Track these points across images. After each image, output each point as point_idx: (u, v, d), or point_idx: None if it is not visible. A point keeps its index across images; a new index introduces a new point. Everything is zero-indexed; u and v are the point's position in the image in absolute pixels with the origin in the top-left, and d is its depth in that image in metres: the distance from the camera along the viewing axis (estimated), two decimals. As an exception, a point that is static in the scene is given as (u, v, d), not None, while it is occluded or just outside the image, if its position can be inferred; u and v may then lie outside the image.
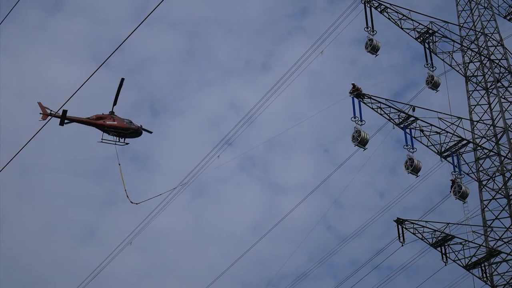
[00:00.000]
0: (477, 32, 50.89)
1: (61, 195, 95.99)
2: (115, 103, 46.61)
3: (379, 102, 44.78)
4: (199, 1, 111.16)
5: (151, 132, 48.39)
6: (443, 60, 49.61)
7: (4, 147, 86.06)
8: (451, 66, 49.63)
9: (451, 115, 45.60)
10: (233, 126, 48.15)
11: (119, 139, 46.81)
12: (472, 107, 48.66)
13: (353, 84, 44.63)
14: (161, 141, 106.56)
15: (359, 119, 43.82)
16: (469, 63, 50.07)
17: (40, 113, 44.10)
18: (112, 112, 46.93)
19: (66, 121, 44.69)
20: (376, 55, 47.38)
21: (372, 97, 44.61)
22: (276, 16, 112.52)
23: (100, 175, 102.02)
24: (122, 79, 45.48)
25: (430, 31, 49.37)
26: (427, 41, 49.52)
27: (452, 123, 45.42)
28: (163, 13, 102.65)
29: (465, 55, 50.30)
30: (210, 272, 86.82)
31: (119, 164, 46.66)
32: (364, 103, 44.56)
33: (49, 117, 43.28)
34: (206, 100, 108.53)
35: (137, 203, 46.46)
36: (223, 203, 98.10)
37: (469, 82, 49.49)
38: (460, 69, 49.84)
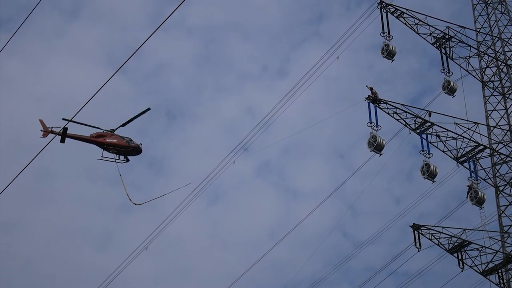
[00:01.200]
0: (494, 37, 50.68)
1: (79, 200, 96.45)
2: (125, 124, 47.06)
3: (395, 107, 44.69)
4: (216, 7, 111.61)
5: (149, 109, 47.60)
6: (459, 65, 49.44)
7: (22, 153, 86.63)
8: (467, 71, 49.44)
9: (467, 121, 45.44)
10: (249, 131, 48.19)
11: (119, 157, 47.31)
12: (489, 112, 48.44)
13: (370, 88, 44.57)
14: (177, 146, 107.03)
15: (375, 125, 43.74)
16: (485, 68, 49.86)
17: (41, 130, 44.68)
18: (112, 130, 47.40)
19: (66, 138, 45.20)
20: (392, 60, 47.32)
21: (388, 102, 44.53)
22: (293, 22, 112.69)
23: (117, 180, 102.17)
24: (148, 109, 46.01)
25: (447, 36, 49.22)
26: (443, 46, 49.35)
27: (469, 129, 45.24)
28: (180, 19, 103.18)
29: (481, 60, 50.10)
30: (226, 277, 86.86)
31: (120, 175, 47.14)
32: (380, 108, 44.47)
33: (50, 134, 44.01)
34: (223, 106, 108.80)
35: (140, 204, 47.14)
36: (239, 209, 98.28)
37: (485, 87, 49.27)
38: (477, 74, 49.64)
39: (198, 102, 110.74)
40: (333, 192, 50.25)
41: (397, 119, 44.81)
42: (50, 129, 44.56)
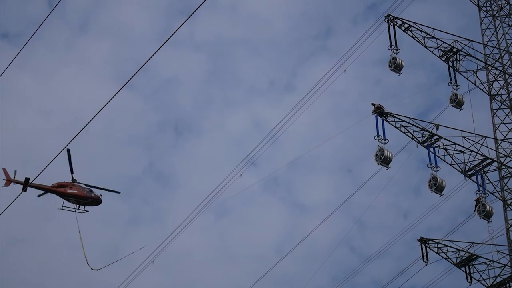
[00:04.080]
0: (501, 51, 50.57)
1: (86, 214, 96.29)
2: (72, 171, 48.29)
3: (403, 120, 44.62)
4: (224, 22, 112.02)
5: (119, 192, 50.49)
6: (467, 78, 49.33)
7: (30, 166, 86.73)
8: (475, 84, 49.32)
9: (475, 134, 45.31)
10: (256, 146, 48.14)
11: (79, 207, 48.52)
12: (497, 125, 48.26)
13: (373, 104, 44.58)
14: (185, 160, 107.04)
15: (383, 138, 43.70)
16: (493, 81, 49.72)
17: (4, 179, 46.21)
18: (73, 180, 48.51)
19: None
20: (400, 74, 47.30)
21: (395, 115, 44.48)
22: (301, 37, 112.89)
23: (126, 194, 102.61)
24: (69, 150, 46.88)
25: (454, 50, 49.16)
26: (451, 59, 49.29)
27: (476, 142, 45.11)
28: (188, 34, 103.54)
29: (489, 74, 49.97)
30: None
31: (79, 232, 48.17)
32: (387, 121, 44.43)
33: (12, 183, 45.85)
34: (230, 120, 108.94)
35: (97, 269, 47.94)
36: (247, 223, 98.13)
37: (493, 101, 49.13)
38: (484, 87, 49.51)
39: (205, 117, 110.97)
40: (340, 205, 50.15)
41: (404, 133, 44.73)
42: (13, 178, 46.12)
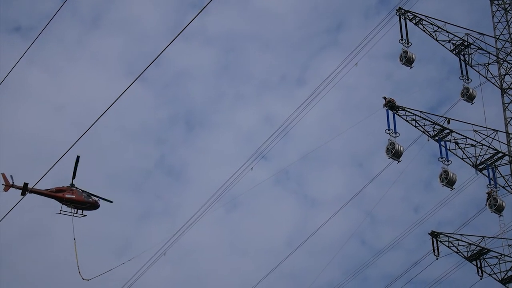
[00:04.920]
0: (513, 44, 50.42)
1: (99, 209, 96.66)
2: (73, 176, 49.14)
3: (414, 114, 44.57)
4: (236, 17, 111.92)
5: (111, 202, 50.90)
6: (478, 72, 49.19)
7: (41, 162, 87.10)
8: (486, 78, 49.18)
9: (486, 128, 45.21)
10: (267, 139, 48.11)
11: (76, 211, 49.25)
12: (508, 119, 48.15)
13: (384, 98, 44.56)
14: (196, 154, 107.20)
15: (393, 131, 43.69)
16: (505, 75, 49.57)
17: (3, 184, 46.80)
18: (72, 185, 49.32)
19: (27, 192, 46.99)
20: (411, 67, 47.20)
21: (406, 109, 44.43)
22: (312, 31, 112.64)
23: (137, 188, 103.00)
24: (78, 157, 47.80)
25: (466, 43, 49.01)
26: (462, 53, 49.14)
27: (488, 136, 45.00)
28: (200, 28, 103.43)
29: (501, 67, 49.81)
30: (244, 285, 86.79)
31: (74, 239, 48.77)
32: (398, 115, 44.40)
33: (11, 188, 46.35)
34: (241, 115, 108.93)
35: (88, 280, 48.05)
36: (258, 217, 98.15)
37: (505, 94, 49.00)
38: (496, 81, 49.37)
39: (216, 111, 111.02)
40: (351, 199, 50.13)
41: (415, 126, 44.68)
42: (11, 183, 46.82)
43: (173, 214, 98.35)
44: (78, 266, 47.97)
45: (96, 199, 50.04)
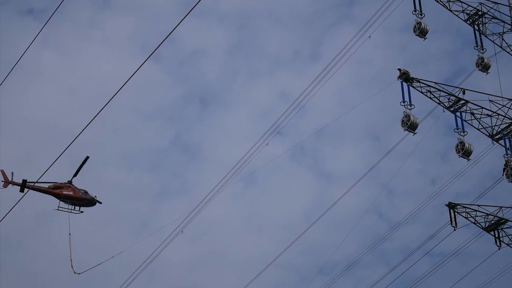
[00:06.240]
0: (528, 13, 49.95)
1: (116, 188, 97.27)
2: (75, 175, 50.26)
3: (429, 85, 44.32)
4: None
5: (101, 203, 51.80)
6: (493, 41, 48.79)
7: (57, 143, 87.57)
8: (501, 47, 48.77)
9: (502, 97, 44.94)
10: (282, 114, 47.96)
11: (74, 208, 50.43)
12: (524, 88, 47.83)
13: (399, 69, 44.32)
14: (211, 132, 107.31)
15: (409, 103, 43.46)
16: (520, 44, 49.18)
17: (2, 181, 48.02)
18: (69, 182, 50.46)
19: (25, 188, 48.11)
20: (425, 39, 46.82)
21: (421, 80, 44.18)
22: (324, 6, 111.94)
23: (154, 167, 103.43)
24: (87, 157, 49.17)
25: (480, 13, 48.58)
26: (476, 23, 48.74)
27: (504, 105, 44.75)
28: (212, 6, 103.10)
29: (516, 36, 49.43)
30: (262, 261, 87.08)
31: (70, 234, 49.69)
32: (413, 87, 44.16)
33: (10, 185, 47.72)
34: (256, 92, 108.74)
35: (79, 273, 49.01)
36: (274, 192, 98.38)
37: (520, 64, 48.68)
38: (511, 50, 48.98)
39: (231, 88, 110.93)
40: (367, 172, 50.02)
41: (430, 98, 44.44)
42: (11, 180, 48.05)
43: (190, 191, 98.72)
44: (71, 260, 48.94)
45: (94, 195, 51.25)
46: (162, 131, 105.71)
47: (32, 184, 48.39)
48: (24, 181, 47.99)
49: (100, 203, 51.71)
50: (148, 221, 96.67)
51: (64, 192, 50.03)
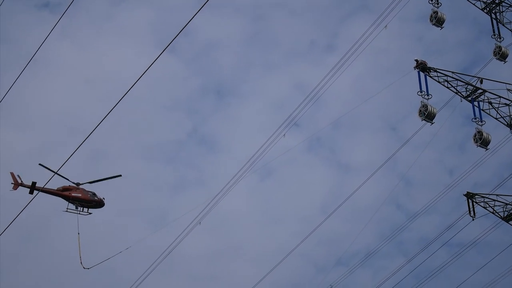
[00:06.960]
0: (546, 0, 49.52)
1: (134, 180, 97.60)
2: (95, 181, 51.40)
3: (446, 75, 44.08)
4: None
5: (120, 176, 52.26)
6: (510, 30, 48.45)
7: (73, 134, 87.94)
8: (519, 36, 48.48)
9: (520, 86, 44.63)
10: (298, 106, 47.81)
11: (82, 209, 51.31)
12: (542, 77, 47.47)
13: (416, 60, 44.08)
14: (228, 124, 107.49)
15: (426, 93, 43.24)
16: (538, 32, 48.76)
17: (12, 183, 48.78)
18: (78, 184, 51.29)
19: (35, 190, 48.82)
20: (442, 28, 46.55)
21: (438, 70, 43.93)
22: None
23: (171, 159, 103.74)
24: (119, 175, 50.98)
25: (497, 1, 48.25)
26: (493, 11, 48.39)
27: (522, 94, 44.45)
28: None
29: (533, 24, 49.04)
30: (280, 252, 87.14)
31: (78, 233, 50.44)
32: (430, 76, 43.93)
33: (20, 187, 48.43)
34: (272, 83, 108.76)
35: (88, 268, 49.90)
36: (292, 184, 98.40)
37: (538, 52, 48.21)
38: (529, 38, 48.63)
39: (247, 80, 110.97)
40: (384, 163, 49.84)
41: (448, 87, 44.21)
42: (20, 182, 48.72)
43: (207, 183, 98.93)
44: (80, 257, 49.73)
45: (102, 197, 51.84)
46: (179, 123, 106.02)
47: (41, 186, 48.98)
48: (34, 184, 48.60)
49: (119, 176, 52.10)
50: (166, 212, 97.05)
51: (73, 194, 50.88)
